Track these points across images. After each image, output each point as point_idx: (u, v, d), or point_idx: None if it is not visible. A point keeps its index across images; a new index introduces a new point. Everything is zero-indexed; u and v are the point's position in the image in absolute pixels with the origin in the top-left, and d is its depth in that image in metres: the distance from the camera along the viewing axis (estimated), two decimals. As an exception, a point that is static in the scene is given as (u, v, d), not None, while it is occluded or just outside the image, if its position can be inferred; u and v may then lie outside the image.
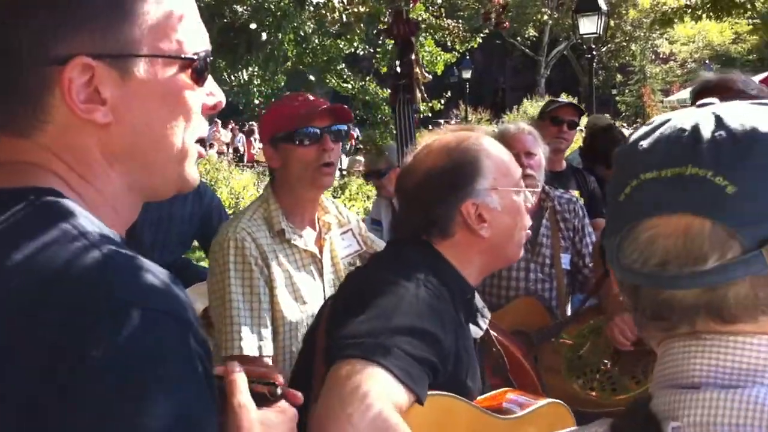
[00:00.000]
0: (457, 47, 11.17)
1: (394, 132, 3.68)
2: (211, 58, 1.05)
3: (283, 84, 10.16)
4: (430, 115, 9.76)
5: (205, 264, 4.24)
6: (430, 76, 3.58)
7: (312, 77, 9.42)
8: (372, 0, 4.89)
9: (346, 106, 2.70)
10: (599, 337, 2.69)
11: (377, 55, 9.11)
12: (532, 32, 36.01)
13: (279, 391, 1.14)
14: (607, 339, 2.65)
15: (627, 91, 36.56)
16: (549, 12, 33.30)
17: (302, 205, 2.63)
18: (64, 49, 0.92)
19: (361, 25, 5.04)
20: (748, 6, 9.97)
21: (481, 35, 11.36)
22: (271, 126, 2.63)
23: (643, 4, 23.95)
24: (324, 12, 5.12)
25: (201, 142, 1.07)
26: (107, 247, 0.86)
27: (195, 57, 1.01)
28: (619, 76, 38.19)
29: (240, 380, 1.11)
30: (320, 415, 1.35)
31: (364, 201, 12.11)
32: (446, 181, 1.79)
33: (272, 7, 8.02)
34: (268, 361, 2.36)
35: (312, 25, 9.37)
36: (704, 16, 10.28)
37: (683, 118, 0.91)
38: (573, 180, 4.58)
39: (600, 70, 38.25)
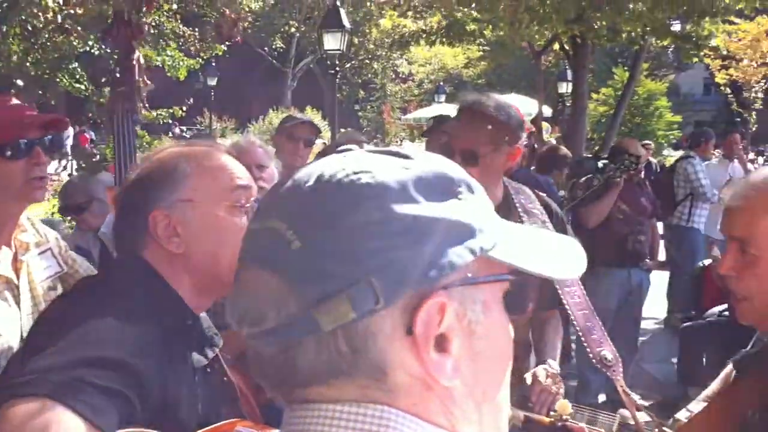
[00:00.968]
0: (201, 54, 10.89)
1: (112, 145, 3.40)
2: None
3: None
4: (164, 122, 9.39)
5: None
6: (152, 84, 3.35)
7: (20, 82, 8.67)
8: (92, 1, 4.53)
9: (61, 116, 2.41)
10: None
11: (115, 56, 8.62)
12: (279, 43, 36.25)
13: None
14: None
15: (369, 107, 38.00)
16: (296, 25, 33.74)
17: (1, 221, 2.30)
18: None
19: (78, 27, 4.65)
20: (478, 34, 10.69)
21: (227, 43, 11.15)
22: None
23: (385, 25, 25.03)
24: (36, 11, 4.67)
25: None
26: None
27: None
28: (362, 92, 39.61)
29: None
30: None
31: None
32: (139, 188, 1.62)
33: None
34: None
35: (44, 20, 8.64)
36: (438, 41, 10.87)
37: (310, 167, 0.86)
38: None
39: (344, 85, 39.43)
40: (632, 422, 2.31)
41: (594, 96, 29.58)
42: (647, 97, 29.88)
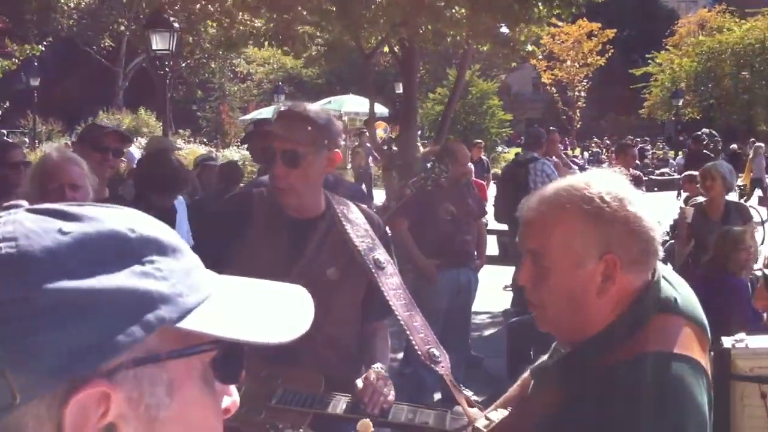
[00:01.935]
0: (17, 53, 10.20)
1: None
2: None
3: None
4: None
5: None
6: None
7: None
8: None
9: None
10: None
11: None
12: (109, 42, 34.70)
13: None
14: None
15: (208, 107, 37.13)
16: (126, 23, 32.40)
17: None
18: None
19: None
20: (307, 38, 10.63)
21: (47, 41, 10.51)
22: None
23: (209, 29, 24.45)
24: None
25: None
26: None
27: None
28: (200, 92, 38.63)
29: None
30: None
31: None
32: None
33: None
34: None
35: None
36: (266, 43, 10.71)
37: None
38: None
39: (180, 84, 38.31)
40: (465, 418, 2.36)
41: (431, 95, 30.34)
42: (480, 97, 30.95)
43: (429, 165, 6.23)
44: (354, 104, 20.54)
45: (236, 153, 19.67)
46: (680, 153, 32.83)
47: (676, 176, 23.06)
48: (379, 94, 27.65)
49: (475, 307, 7.28)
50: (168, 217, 4.50)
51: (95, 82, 34.39)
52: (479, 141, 16.11)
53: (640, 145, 32.12)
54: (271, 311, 0.81)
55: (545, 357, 1.83)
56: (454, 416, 2.43)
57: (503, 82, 38.91)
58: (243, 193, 2.80)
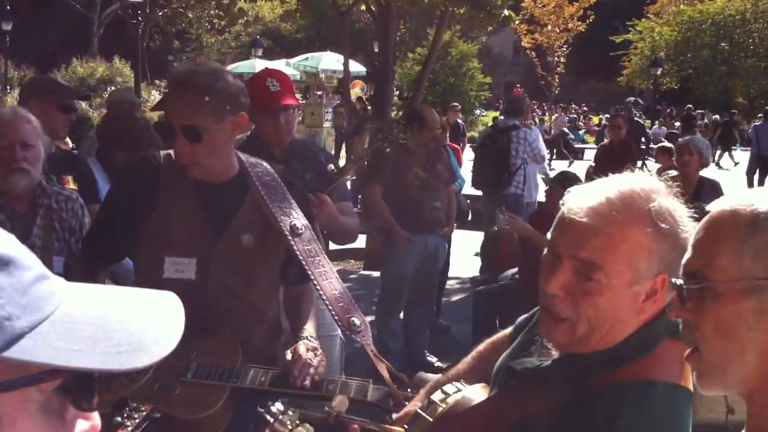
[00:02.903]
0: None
1: None
2: None
3: None
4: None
5: None
6: None
7: None
8: None
9: None
10: None
11: None
12: (83, -13, 33.95)
13: None
14: None
15: (184, 58, 36.55)
16: (102, -32, 31.68)
17: None
18: None
19: None
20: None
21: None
22: None
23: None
24: None
25: None
26: None
27: None
28: (176, 43, 37.98)
29: None
30: None
31: None
32: None
33: None
34: None
35: None
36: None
37: None
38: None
39: (157, 34, 37.63)
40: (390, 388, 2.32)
41: (410, 55, 30.07)
42: (460, 58, 30.74)
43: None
44: (332, 62, 20.26)
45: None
46: (656, 122, 32.95)
47: (652, 146, 23.13)
48: (357, 52, 27.31)
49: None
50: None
51: (69, 29, 33.67)
52: (455, 104, 16.03)
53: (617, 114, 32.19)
54: (130, 328, 0.72)
55: (533, 358, 1.67)
56: (377, 387, 2.38)
57: (484, 44, 38.66)
58: (148, 156, 2.65)
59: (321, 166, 3.57)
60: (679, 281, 1.22)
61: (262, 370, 2.41)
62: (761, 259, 1.13)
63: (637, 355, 1.48)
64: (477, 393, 1.74)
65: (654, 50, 37.52)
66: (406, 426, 1.83)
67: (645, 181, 1.52)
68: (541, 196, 7.88)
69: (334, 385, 2.39)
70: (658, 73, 33.87)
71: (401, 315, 6.18)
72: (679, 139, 6.81)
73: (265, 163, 2.68)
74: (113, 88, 25.85)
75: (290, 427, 1.74)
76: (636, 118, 18.25)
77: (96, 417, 0.74)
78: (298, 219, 2.57)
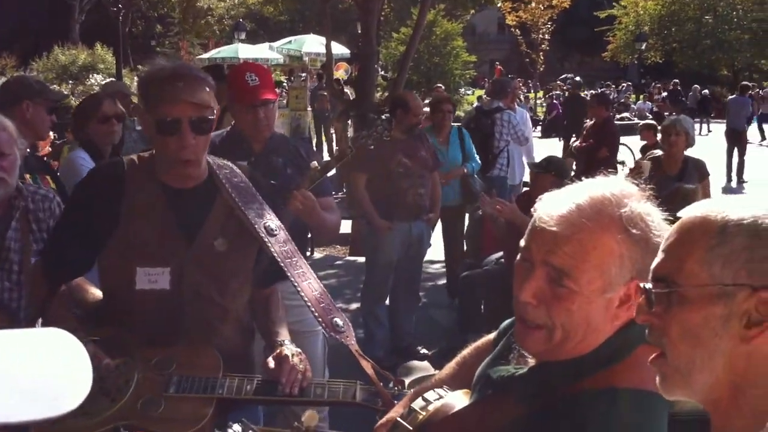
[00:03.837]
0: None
1: None
2: None
3: None
4: None
5: None
6: None
7: None
8: None
9: None
10: None
11: None
12: (63, -27, 33.56)
13: None
14: None
15: (167, 42, 36.24)
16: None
17: None
18: None
19: None
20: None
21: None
22: None
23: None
24: None
25: None
26: None
27: None
28: (159, 27, 37.65)
29: None
30: None
31: None
32: None
33: None
34: None
35: None
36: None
37: None
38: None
39: (139, 19, 37.29)
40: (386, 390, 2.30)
41: (395, 35, 29.93)
42: (444, 37, 30.60)
43: (384, 117, 6.13)
44: (315, 44, 20.07)
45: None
46: (641, 97, 32.98)
47: (637, 121, 23.18)
48: (340, 33, 27.14)
49: (431, 256, 7.29)
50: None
51: (50, 16, 33.32)
52: (439, 85, 16.00)
53: (600, 90, 32.22)
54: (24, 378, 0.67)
55: (509, 366, 1.66)
56: (364, 387, 2.36)
57: (468, 22, 38.48)
58: (112, 161, 2.57)
59: (302, 160, 3.53)
60: (648, 285, 1.22)
61: (246, 378, 2.36)
62: (730, 266, 1.14)
63: (611, 362, 1.47)
64: (459, 400, 1.72)
65: (638, 25, 37.51)
66: None
67: (617, 185, 1.50)
68: (526, 177, 7.89)
69: (321, 389, 2.36)
70: (643, 47, 33.86)
71: (387, 302, 6.18)
72: (666, 120, 6.80)
73: (230, 164, 2.61)
74: (96, 75, 25.68)
75: None
76: (581, 94, 18.70)
77: None
78: (272, 220, 2.52)
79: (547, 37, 33.06)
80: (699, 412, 1.27)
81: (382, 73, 26.32)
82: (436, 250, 7.45)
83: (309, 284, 2.48)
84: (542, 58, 33.94)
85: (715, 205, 1.20)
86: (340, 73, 19.69)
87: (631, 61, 37.61)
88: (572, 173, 6.92)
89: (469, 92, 34.82)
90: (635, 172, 6.05)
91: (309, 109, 18.30)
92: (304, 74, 21.80)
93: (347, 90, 12.67)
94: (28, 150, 3.68)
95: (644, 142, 10.16)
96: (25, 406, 0.64)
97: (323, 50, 11.80)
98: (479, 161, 7.25)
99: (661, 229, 1.45)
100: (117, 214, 2.41)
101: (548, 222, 1.46)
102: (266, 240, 2.47)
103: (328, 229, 3.56)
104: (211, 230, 2.47)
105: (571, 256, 1.43)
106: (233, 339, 2.55)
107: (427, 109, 7.54)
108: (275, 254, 2.46)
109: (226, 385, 2.32)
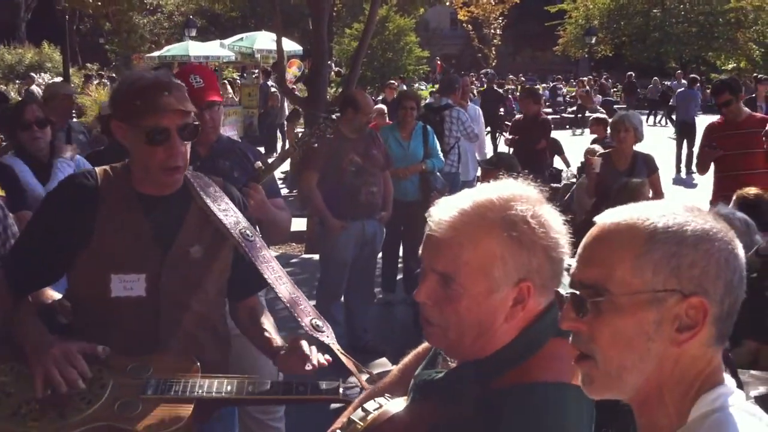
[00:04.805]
0: None
1: None
2: None
3: None
4: None
5: None
6: None
7: None
8: None
9: None
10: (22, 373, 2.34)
11: None
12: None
13: None
14: None
15: (117, 40, 35.66)
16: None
17: None
18: None
19: None
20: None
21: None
22: None
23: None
24: None
25: None
26: None
27: None
28: (108, 24, 37.02)
29: None
30: None
31: None
32: None
33: None
34: None
35: None
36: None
37: None
38: None
39: (87, 17, 36.61)
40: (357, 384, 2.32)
41: (347, 31, 29.88)
42: (397, 33, 30.63)
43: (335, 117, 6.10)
44: (267, 41, 19.94)
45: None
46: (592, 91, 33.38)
47: (588, 114, 23.48)
48: (293, 29, 26.99)
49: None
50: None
51: (-7, 14, 32.57)
52: (392, 81, 16.02)
53: (552, 84, 32.58)
54: None
55: (433, 371, 1.70)
56: (347, 385, 2.36)
57: (421, 18, 38.58)
58: (81, 173, 2.53)
59: (249, 163, 3.50)
60: (572, 292, 1.24)
61: (226, 379, 2.34)
62: (660, 273, 1.18)
63: (521, 359, 1.50)
64: (398, 407, 1.73)
65: (588, 19, 37.97)
66: None
67: (510, 189, 1.53)
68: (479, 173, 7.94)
69: (303, 387, 2.35)
70: (593, 41, 34.30)
71: (342, 300, 6.18)
72: (615, 116, 6.89)
73: (200, 174, 2.61)
74: (43, 74, 25.19)
75: None
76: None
77: None
78: (248, 228, 2.53)
79: (498, 32, 33.33)
80: None
81: (336, 69, 26.30)
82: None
83: (286, 287, 2.50)
84: (494, 53, 34.19)
85: (638, 212, 1.23)
86: (293, 70, 19.59)
87: (582, 54, 38.09)
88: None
89: (423, 87, 34.94)
90: (588, 168, 6.14)
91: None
92: (256, 71, 21.66)
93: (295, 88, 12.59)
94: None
95: (594, 136, 10.27)
96: None
97: (275, 46, 11.72)
98: (443, 159, 7.29)
99: (555, 231, 1.49)
100: (91, 226, 2.38)
101: (433, 228, 1.50)
102: (245, 246, 2.47)
103: (279, 227, 3.54)
104: (186, 237, 2.46)
105: (452, 260, 1.48)
106: (209, 348, 2.52)
107: (380, 106, 7.57)
108: (254, 259, 2.47)
109: (205, 385, 2.29)
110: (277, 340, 2.55)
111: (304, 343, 2.35)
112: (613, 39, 38.31)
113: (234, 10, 35.54)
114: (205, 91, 3.46)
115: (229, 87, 20.22)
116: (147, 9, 35.95)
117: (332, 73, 22.97)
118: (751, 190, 5.05)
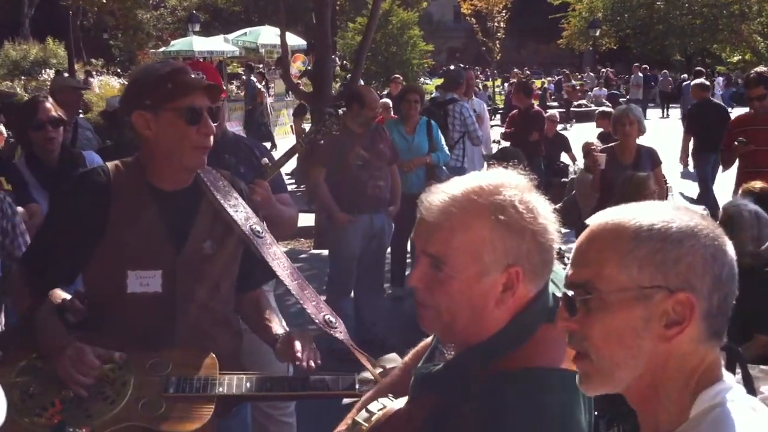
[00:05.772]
0: None
1: None
2: None
3: None
4: None
5: None
6: None
7: None
8: None
9: None
10: (44, 372, 2.35)
11: None
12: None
13: None
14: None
15: (121, 35, 35.66)
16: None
17: None
18: None
19: None
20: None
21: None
22: None
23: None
24: None
25: None
26: None
27: None
28: (112, 19, 37.00)
29: None
30: None
31: None
32: None
33: None
34: None
35: None
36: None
37: None
38: None
39: (91, 12, 36.59)
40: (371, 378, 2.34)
41: (351, 25, 29.82)
42: (400, 27, 30.54)
43: (341, 112, 6.13)
44: (271, 36, 19.95)
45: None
46: (597, 84, 33.31)
47: (593, 107, 23.46)
48: (296, 23, 27.00)
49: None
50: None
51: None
52: (397, 76, 15.99)
53: (558, 77, 32.49)
54: None
55: (431, 364, 1.72)
56: (363, 379, 2.38)
57: (425, 11, 38.50)
58: (95, 169, 2.53)
59: (255, 159, 3.51)
60: (564, 292, 1.27)
61: (245, 376, 2.36)
62: (646, 269, 1.21)
63: (514, 345, 1.53)
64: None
65: (592, 11, 37.84)
66: None
67: (500, 177, 1.56)
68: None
69: (321, 383, 2.38)
70: (597, 34, 34.18)
71: (351, 294, 6.20)
72: (617, 110, 6.87)
73: (213, 170, 2.61)
74: (48, 70, 25.22)
75: None
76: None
77: None
78: (258, 223, 2.55)
79: (502, 25, 33.20)
80: None
81: (342, 62, 26.29)
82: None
83: (298, 284, 2.53)
84: (498, 46, 34.09)
85: (625, 213, 1.27)
86: (298, 65, 19.60)
87: (586, 47, 37.99)
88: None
89: (428, 81, 34.85)
90: (593, 164, 6.13)
91: (268, 100, 18.21)
92: (260, 65, 21.66)
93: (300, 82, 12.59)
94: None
95: (600, 129, 10.27)
96: None
97: (279, 41, 11.72)
98: (448, 153, 7.31)
99: (543, 218, 1.52)
100: (104, 222, 2.39)
101: (424, 212, 1.54)
102: (254, 241, 2.50)
103: (285, 223, 3.55)
104: (199, 232, 2.48)
105: (443, 243, 1.51)
106: (224, 342, 2.54)
107: (385, 101, 7.57)
108: (264, 255, 2.49)
109: (225, 383, 2.32)
110: (277, 329, 2.57)
111: (297, 344, 2.36)
112: (617, 32, 38.17)
113: (237, 4, 35.57)
114: None
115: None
116: (151, 4, 36.00)
117: (337, 67, 22.97)
118: (757, 184, 5.04)
